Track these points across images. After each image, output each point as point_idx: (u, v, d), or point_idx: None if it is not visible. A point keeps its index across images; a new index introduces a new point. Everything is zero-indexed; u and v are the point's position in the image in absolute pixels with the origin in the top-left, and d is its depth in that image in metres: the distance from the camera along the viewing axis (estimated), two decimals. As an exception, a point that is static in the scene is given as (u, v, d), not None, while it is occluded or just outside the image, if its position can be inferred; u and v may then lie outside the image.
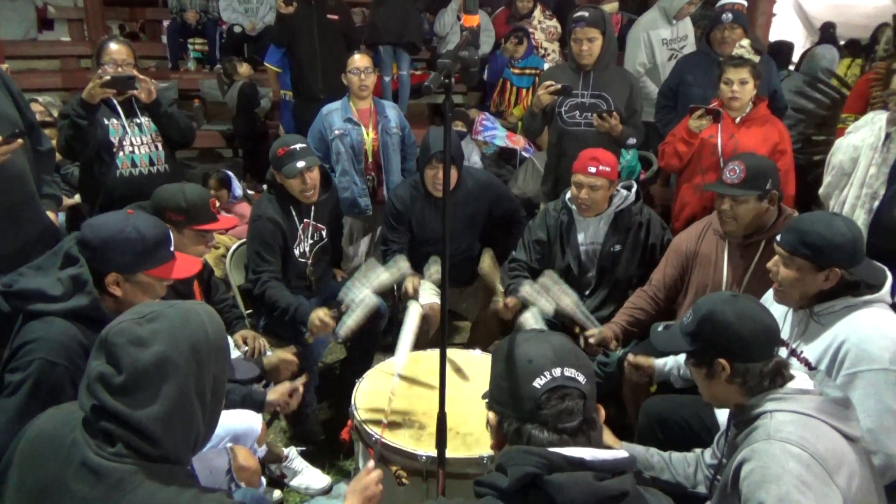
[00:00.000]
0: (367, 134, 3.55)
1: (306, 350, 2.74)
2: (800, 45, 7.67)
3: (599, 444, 1.16)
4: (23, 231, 2.33)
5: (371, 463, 1.66)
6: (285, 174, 2.76)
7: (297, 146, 2.78)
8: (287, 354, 2.42)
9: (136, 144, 2.99)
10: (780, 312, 1.93)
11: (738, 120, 3.11)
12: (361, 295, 2.46)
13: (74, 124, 2.74)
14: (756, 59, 3.24)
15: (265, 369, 2.37)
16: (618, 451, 1.16)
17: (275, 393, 2.14)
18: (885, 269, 1.83)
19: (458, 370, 2.37)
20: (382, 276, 2.53)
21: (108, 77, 2.75)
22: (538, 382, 1.14)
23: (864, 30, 6.85)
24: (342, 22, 4.55)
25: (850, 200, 2.67)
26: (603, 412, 1.22)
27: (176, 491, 1.13)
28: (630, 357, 2.31)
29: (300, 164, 2.73)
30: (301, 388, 2.19)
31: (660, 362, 2.26)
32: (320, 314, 2.63)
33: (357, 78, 3.47)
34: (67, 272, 1.64)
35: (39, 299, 1.61)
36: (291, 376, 2.35)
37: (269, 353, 2.70)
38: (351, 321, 2.44)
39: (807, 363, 1.80)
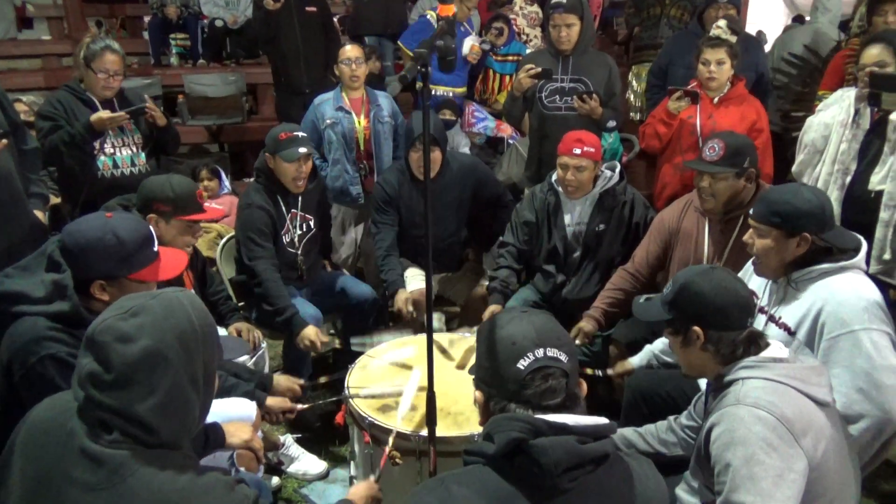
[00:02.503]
0: (359, 122, 3.56)
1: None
2: (781, 23, 7.69)
3: (582, 415, 1.20)
4: (10, 230, 2.35)
5: (372, 478, 1.74)
6: (285, 158, 2.77)
7: (300, 133, 2.83)
8: (295, 385, 2.34)
9: (117, 146, 3.05)
10: (760, 281, 1.99)
11: (716, 100, 3.15)
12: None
13: (77, 145, 2.88)
14: (733, 39, 3.27)
15: (271, 387, 2.31)
16: (599, 418, 1.19)
17: (274, 401, 2.18)
18: (860, 236, 1.88)
19: (445, 352, 2.42)
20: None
21: (126, 115, 2.95)
22: (521, 364, 1.17)
23: (849, 6, 6.86)
24: (320, 13, 4.57)
25: (823, 177, 2.71)
26: (585, 386, 1.26)
27: (174, 474, 1.15)
28: (609, 372, 2.40)
29: (302, 149, 2.77)
30: (295, 414, 2.25)
31: (635, 360, 2.35)
32: (311, 335, 2.66)
33: (348, 68, 3.49)
34: (50, 276, 1.64)
35: (22, 301, 1.63)
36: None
37: (263, 344, 2.75)
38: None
39: (786, 328, 1.85)
